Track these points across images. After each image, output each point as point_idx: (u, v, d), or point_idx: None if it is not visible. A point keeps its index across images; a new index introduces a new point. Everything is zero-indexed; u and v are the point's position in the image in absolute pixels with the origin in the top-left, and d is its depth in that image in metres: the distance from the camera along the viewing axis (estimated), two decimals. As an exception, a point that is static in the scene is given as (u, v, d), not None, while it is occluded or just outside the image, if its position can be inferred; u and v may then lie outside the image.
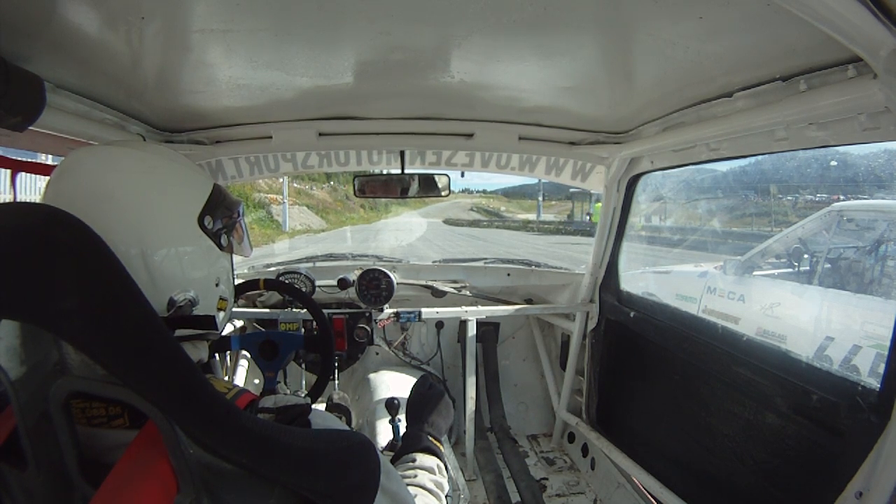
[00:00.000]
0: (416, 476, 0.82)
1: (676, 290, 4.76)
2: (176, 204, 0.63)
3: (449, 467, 0.97)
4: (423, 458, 0.86)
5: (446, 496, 0.84)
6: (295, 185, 28.82)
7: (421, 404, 0.99)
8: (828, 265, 4.17)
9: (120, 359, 0.43)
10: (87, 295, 0.43)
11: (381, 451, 0.65)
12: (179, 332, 0.62)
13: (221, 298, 0.70)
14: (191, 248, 0.63)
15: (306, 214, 27.48)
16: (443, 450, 0.91)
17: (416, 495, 0.75)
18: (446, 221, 38.44)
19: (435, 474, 0.84)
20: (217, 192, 0.69)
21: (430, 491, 0.80)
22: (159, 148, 0.69)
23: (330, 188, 35.13)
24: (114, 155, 0.62)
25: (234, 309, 0.89)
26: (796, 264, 4.52)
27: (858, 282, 3.92)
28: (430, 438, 0.92)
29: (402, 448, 0.91)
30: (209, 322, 0.62)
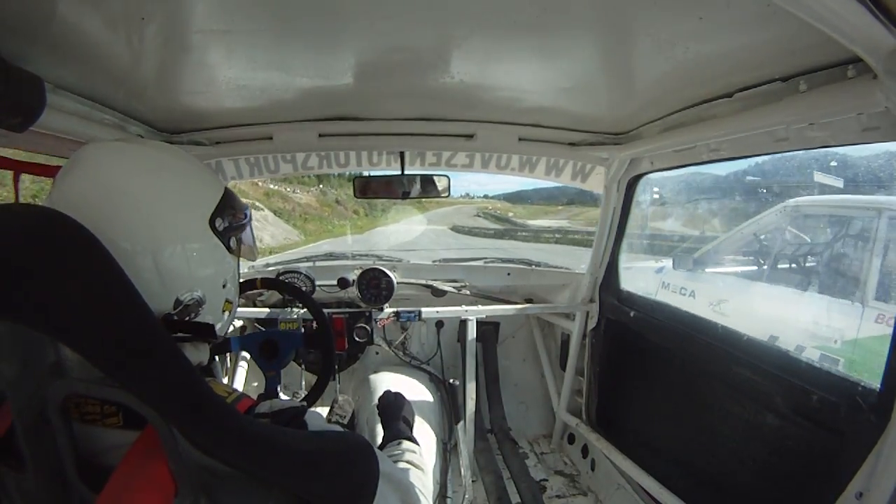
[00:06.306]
0: (402, 454, 0.94)
1: (637, 286, 4.68)
2: (190, 202, 0.63)
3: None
4: (406, 444, 1.00)
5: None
6: (271, 185, 22.39)
7: (392, 409, 1.20)
8: (779, 262, 4.05)
9: (117, 362, 0.43)
10: (85, 298, 0.43)
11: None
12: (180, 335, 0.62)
13: (227, 300, 0.70)
14: (201, 247, 0.63)
15: (276, 225, 20.27)
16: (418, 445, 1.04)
17: (407, 470, 0.86)
18: (454, 229, 30.87)
19: (416, 454, 0.95)
20: (228, 194, 0.69)
21: (415, 465, 0.90)
22: (171, 147, 0.68)
23: (318, 192, 30.08)
24: (128, 151, 0.61)
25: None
26: (749, 260, 4.40)
27: (808, 280, 3.83)
28: (406, 434, 1.08)
29: (385, 439, 1.06)
30: (208, 331, 0.62)
